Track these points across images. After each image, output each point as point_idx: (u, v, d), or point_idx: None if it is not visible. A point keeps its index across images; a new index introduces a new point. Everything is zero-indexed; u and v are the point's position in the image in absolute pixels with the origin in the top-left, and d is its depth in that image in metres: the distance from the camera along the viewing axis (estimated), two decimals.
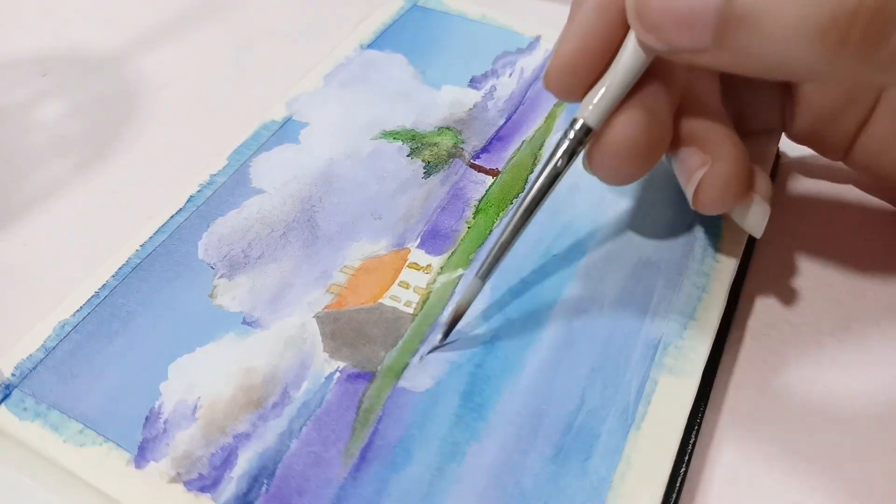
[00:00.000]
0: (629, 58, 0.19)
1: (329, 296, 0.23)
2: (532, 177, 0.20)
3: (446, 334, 0.21)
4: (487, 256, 0.21)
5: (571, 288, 0.23)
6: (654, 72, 0.19)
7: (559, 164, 0.20)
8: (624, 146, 0.19)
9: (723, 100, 0.23)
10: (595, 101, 0.19)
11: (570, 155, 0.20)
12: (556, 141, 0.20)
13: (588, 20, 0.19)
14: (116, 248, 0.24)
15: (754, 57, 0.16)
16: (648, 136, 0.19)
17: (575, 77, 0.19)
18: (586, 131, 0.19)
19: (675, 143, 0.21)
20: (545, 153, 0.20)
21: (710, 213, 0.22)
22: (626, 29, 0.19)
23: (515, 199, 0.20)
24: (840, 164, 0.26)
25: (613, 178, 0.20)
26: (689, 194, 0.21)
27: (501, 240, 0.20)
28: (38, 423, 0.20)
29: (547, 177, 0.20)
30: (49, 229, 0.27)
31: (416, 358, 0.21)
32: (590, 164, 0.20)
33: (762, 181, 0.22)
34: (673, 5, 0.16)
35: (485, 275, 0.21)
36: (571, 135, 0.20)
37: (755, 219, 0.21)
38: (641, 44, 0.18)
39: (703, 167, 0.20)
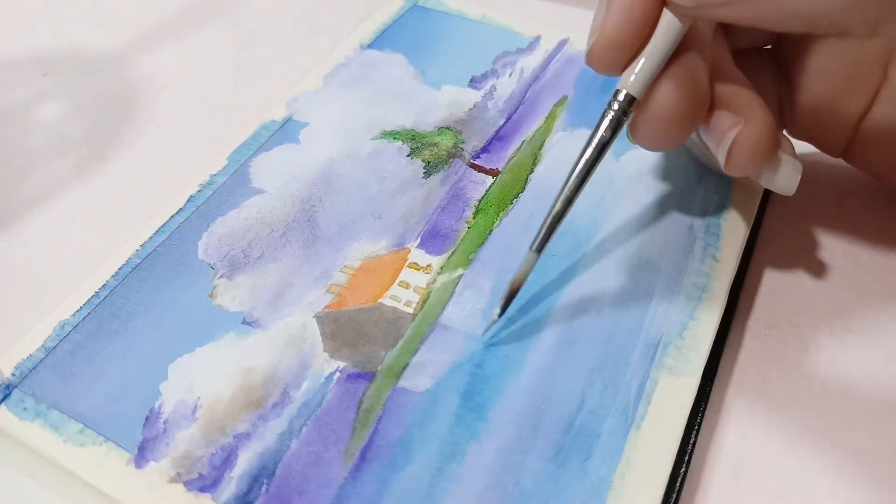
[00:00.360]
0: (666, 28, 0.20)
1: (329, 296, 0.23)
2: (579, 151, 0.21)
3: (504, 308, 0.22)
4: (541, 229, 0.21)
5: (571, 288, 0.23)
6: (688, 42, 0.20)
7: (605, 135, 0.20)
8: (669, 111, 0.20)
9: None
10: (637, 71, 0.20)
11: (616, 125, 0.20)
12: (601, 113, 0.21)
13: None
14: (116, 248, 0.24)
15: (778, 4, 0.17)
16: (691, 99, 0.20)
17: (620, 52, 0.20)
18: (630, 101, 0.20)
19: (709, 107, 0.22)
20: (584, 142, 0.21)
21: (741, 174, 0.22)
22: (663, 3, 0.20)
23: (568, 177, 0.21)
24: (840, 164, 0.26)
25: (660, 144, 0.21)
26: (721, 156, 0.21)
27: (554, 212, 0.21)
28: (38, 422, 0.20)
29: (595, 148, 0.21)
30: (49, 229, 0.27)
31: (420, 364, 0.21)
32: (634, 133, 0.21)
33: (788, 144, 0.22)
34: None
35: (539, 247, 0.21)
36: (615, 105, 0.20)
37: (788, 177, 0.22)
38: (673, 3, 0.19)
39: (736, 127, 0.21)
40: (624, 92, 0.20)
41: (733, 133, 0.21)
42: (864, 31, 0.21)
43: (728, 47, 0.23)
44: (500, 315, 0.22)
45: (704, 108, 0.21)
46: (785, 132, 0.24)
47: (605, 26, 0.20)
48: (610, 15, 0.20)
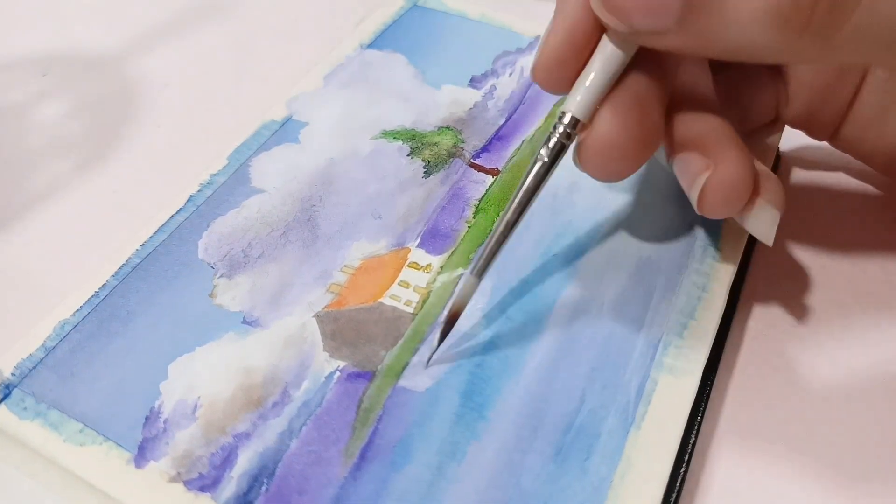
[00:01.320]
0: (610, 47, 0.18)
1: (329, 295, 0.23)
2: (524, 173, 0.20)
3: (444, 334, 0.21)
4: (482, 254, 0.20)
5: (571, 288, 0.23)
6: (642, 65, 0.19)
7: (546, 159, 0.19)
8: (611, 140, 0.19)
9: (719, 97, 0.23)
10: (579, 91, 0.19)
11: (559, 149, 0.19)
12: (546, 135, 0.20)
13: (574, 12, 0.19)
14: (116, 248, 0.24)
15: (717, 41, 0.17)
16: (637, 129, 0.19)
17: (563, 69, 0.19)
18: (573, 124, 0.19)
19: (676, 146, 0.21)
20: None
21: (715, 218, 0.21)
22: (602, 27, 0.19)
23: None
24: (840, 162, 0.26)
25: (602, 173, 0.20)
26: (693, 199, 0.21)
27: (495, 236, 0.20)
28: (38, 422, 0.20)
29: (536, 173, 0.20)
30: (49, 229, 0.27)
31: (420, 364, 0.21)
32: (578, 160, 0.20)
33: (773, 185, 0.21)
34: None
35: (480, 272, 0.20)
36: (560, 129, 0.19)
37: (764, 226, 0.21)
38: (606, 25, 0.18)
39: (706, 171, 0.20)
40: (568, 114, 0.19)
41: (703, 178, 0.20)
42: (805, 63, 0.21)
43: (708, 72, 0.22)
44: (440, 341, 0.21)
45: (654, 141, 0.20)
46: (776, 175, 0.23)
47: (546, 41, 0.19)
48: (552, 30, 0.19)
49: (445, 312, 0.22)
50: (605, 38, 0.19)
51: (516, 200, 0.20)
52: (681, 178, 0.21)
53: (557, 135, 0.19)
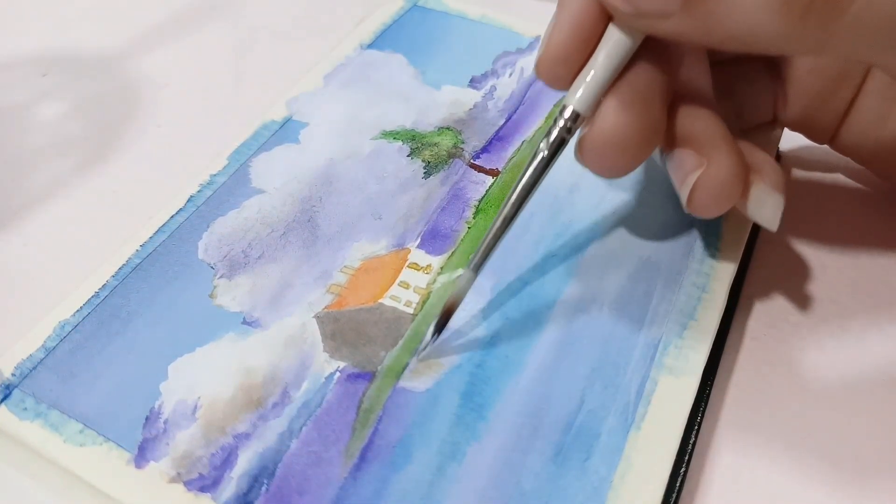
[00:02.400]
0: (613, 42, 0.18)
1: (329, 296, 0.23)
2: (524, 167, 0.20)
3: (438, 330, 0.21)
4: (479, 248, 0.20)
5: (571, 288, 0.23)
6: (645, 60, 0.19)
7: (546, 152, 0.19)
8: (614, 134, 0.19)
9: (717, 96, 0.23)
10: (582, 85, 0.19)
11: (559, 143, 0.19)
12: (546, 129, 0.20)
13: (577, 6, 0.19)
14: (116, 248, 0.24)
15: (720, 25, 0.17)
16: (640, 124, 0.19)
17: (566, 65, 0.19)
18: (574, 117, 0.19)
19: (669, 143, 0.21)
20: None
21: (704, 216, 0.21)
22: (609, 17, 0.19)
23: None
24: (840, 163, 0.26)
25: (603, 168, 0.20)
26: (682, 197, 0.21)
27: (493, 231, 0.20)
28: (38, 422, 0.20)
29: (535, 167, 0.20)
30: (49, 229, 0.27)
31: (414, 360, 0.21)
32: (579, 154, 0.20)
33: (773, 171, 0.21)
34: None
35: (476, 267, 0.20)
36: (561, 122, 0.19)
37: (768, 211, 0.21)
38: (612, 9, 0.18)
39: (698, 169, 0.20)
40: (569, 107, 0.19)
41: (695, 175, 0.20)
42: (805, 53, 0.21)
43: (708, 71, 0.22)
44: (434, 337, 0.21)
45: (656, 137, 0.20)
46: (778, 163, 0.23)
47: (550, 37, 0.19)
48: (556, 27, 0.19)
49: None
50: (608, 32, 0.19)
51: (514, 195, 0.20)
52: (673, 174, 0.21)
53: (558, 128, 0.19)
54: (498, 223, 0.20)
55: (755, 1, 0.16)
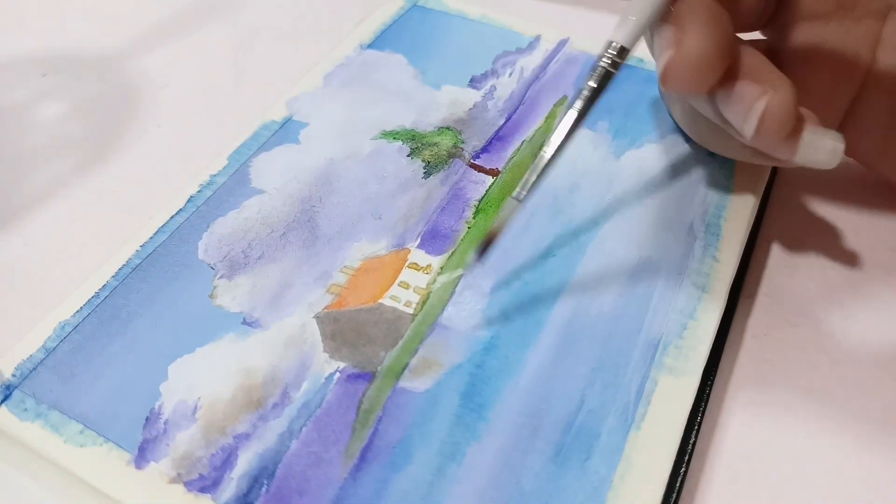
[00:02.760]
0: None
1: (329, 296, 0.23)
2: (567, 103, 0.20)
3: (481, 253, 0.21)
4: (527, 177, 0.20)
5: (571, 288, 0.23)
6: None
7: (593, 85, 0.20)
8: (700, 54, 0.20)
9: None
10: (629, 23, 0.20)
11: (606, 77, 0.20)
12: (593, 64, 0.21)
13: (708, 11, 0.20)
14: (116, 248, 0.24)
15: None
16: (721, 43, 0.20)
17: (711, 71, 0.20)
18: (621, 52, 0.20)
19: (726, 78, 0.21)
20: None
21: (769, 143, 0.21)
22: None
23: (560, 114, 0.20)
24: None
25: (689, 86, 0.20)
26: (750, 126, 0.21)
27: (545, 159, 0.20)
28: (38, 423, 0.20)
29: (585, 98, 0.20)
30: (49, 229, 0.27)
31: (419, 364, 0.21)
32: (666, 78, 0.20)
33: (811, 114, 0.22)
34: None
35: (523, 196, 0.21)
36: (607, 58, 0.20)
37: (829, 149, 0.21)
38: None
39: (764, 96, 0.20)
40: (617, 43, 0.20)
41: (762, 103, 0.20)
42: None
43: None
44: (478, 260, 0.21)
45: (730, 55, 0.21)
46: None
47: (686, 45, 0.20)
48: (691, 32, 0.20)
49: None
50: None
51: (563, 124, 0.20)
52: (731, 107, 0.21)
53: (605, 63, 0.20)
54: (548, 154, 0.20)
55: None
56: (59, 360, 0.21)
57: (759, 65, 0.21)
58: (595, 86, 0.20)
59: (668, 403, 0.20)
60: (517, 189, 0.21)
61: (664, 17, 0.20)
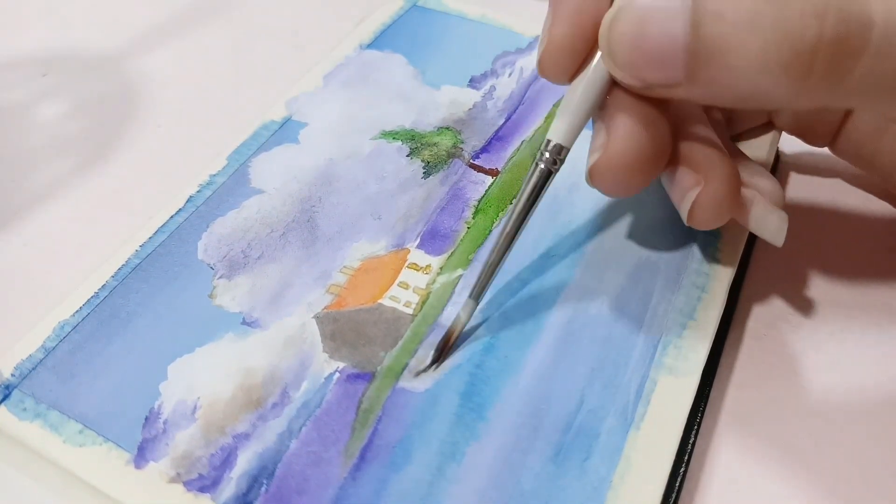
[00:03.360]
0: (591, 74, 0.19)
1: (329, 296, 0.23)
2: (516, 198, 0.21)
3: (437, 358, 0.21)
4: (479, 278, 0.21)
5: (571, 288, 0.23)
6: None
7: (535, 185, 0.20)
8: (629, 156, 0.19)
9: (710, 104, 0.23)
10: (565, 120, 0.20)
11: (547, 176, 0.20)
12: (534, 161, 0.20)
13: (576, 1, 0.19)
14: (116, 248, 0.24)
15: (726, 90, 0.17)
16: (652, 144, 0.19)
17: (572, 59, 0.19)
18: (558, 150, 0.20)
19: (668, 163, 0.21)
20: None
21: (704, 229, 0.22)
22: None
23: (501, 218, 0.21)
24: (839, 164, 0.26)
25: (618, 189, 0.20)
26: (683, 213, 0.21)
27: (490, 261, 0.21)
28: (37, 423, 0.20)
29: (525, 201, 0.20)
30: (49, 229, 0.27)
31: (413, 361, 0.21)
32: (593, 179, 0.20)
33: (772, 188, 0.22)
34: (642, 43, 0.17)
35: (477, 296, 0.21)
36: (547, 156, 0.20)
37: (773, 228, 0.22)
38: (619, 80, 0.19)
39: (697, 187, 0.20)
40: (553, 142, 0.20)
41: (693, 193, 0.20)
42: (816, 107, 0.21)
43: None
44: (432, 365, 0.21)
45: (665, 155, 0.20)
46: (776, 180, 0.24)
47: (552, 33, 0.19)
48: (556, 21, 0.19)
49: (437, 332, 0.22)
50: (586, 68, 0.19)
51: (508, 226, 0.21)
52: (670, 191, 0.22)
53: (544, 163, 0.20)
54: (494, 255, 0.21)
55: (756, 66, 0.16)
56: (59, 360, 0.21)
57: (699, 151, 0.21)
58: (535, 187, 0.20)
59: (667, 403, 0.20)
60: (471, 289, 0.21)
61: (597, 112, 0.20)
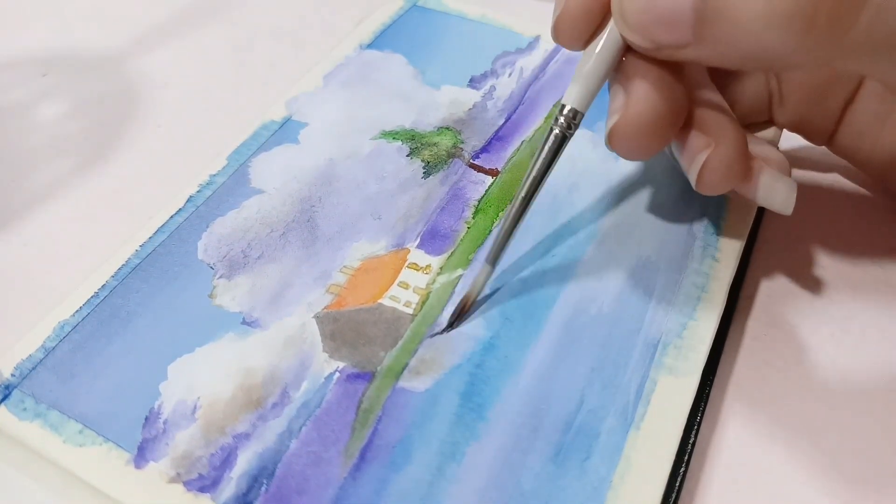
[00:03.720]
0: (606, 38, 0.20)
1: (329, 296, 0.23)
2: (531, 162, 0.21)
3: (454, 321, 0.22)
4: (495, 242, 0.22)
5: (571, 288, 0.23)
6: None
7: (550, 150, 0.21)
8: (647, 117, 0.20)
9: None
10: (579, 85, 0.20)
11: (562, 141, 0.20)
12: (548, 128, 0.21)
13: None
14: (116, 248, 0.24)
15: (733, 48, 0.17)
16: (669, 105, 0.20)
17: (586, 24, 0.20)
18: (573, 115, 0.20)
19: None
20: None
21: (712, 194, 0.22)
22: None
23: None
24: (839, 164, 0.26)
25: (636, 151, 0.21)
26: (692, 176, 0.21)
27: (505, 226, 0.21)
28: (37, 423, 0.20)
29: (540, 165, 0.21)
30: (49, 229, 0.27)
31: (418, 364, 0.21)
32: (612, 141, 0.21)
33: (778, 158, 0.22)
34: (653, 5, 0.18)
35: (493, 260, 0.22)
36: (562, 120, 0.20)
37: (781, 196, 0.22)
38: (630, 42, 0.19)
39: (707, 149, 0.21)
40: (569, 107, 0.20)
41: (703, 155, 0.21)
42: (815, 68, 0.22)
43: (705, 67, 0.23)
44: (448, 328, 0.22)
45: (681, 116, 0.21)
46: (780, 148, 0.24)
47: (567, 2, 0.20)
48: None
49: (447, 313, 0.22)
50: (601, 32, 0.20)
51: (523, 191, 0.21)
52: (679, 154, 0.22)
53: (559, 127, 0.20)
54: (509, 220, 0.21)
55: (760, 22, 0.16)
56: (59, 360, 0.21)
57: (710, 115, 0.21)
58: (550, 151, 0.21)
59: (667, 403, 0.20)
60: (487, 254, 0.22)
61: (614, 76, 0.20)
